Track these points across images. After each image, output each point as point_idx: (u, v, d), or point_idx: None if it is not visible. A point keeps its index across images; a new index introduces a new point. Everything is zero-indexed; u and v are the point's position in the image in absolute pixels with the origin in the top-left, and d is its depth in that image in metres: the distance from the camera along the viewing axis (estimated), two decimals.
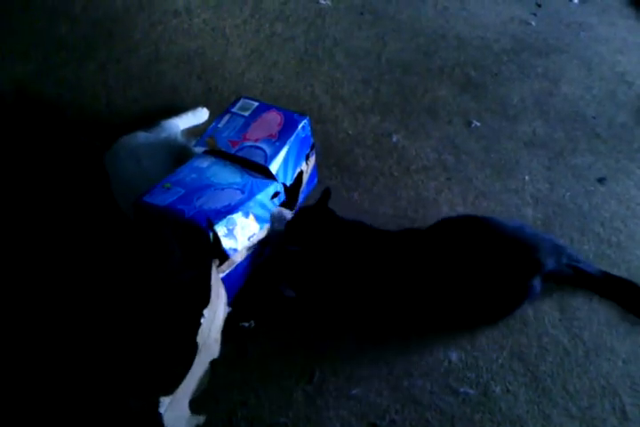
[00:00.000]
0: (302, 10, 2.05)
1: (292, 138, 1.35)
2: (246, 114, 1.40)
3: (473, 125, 1.71)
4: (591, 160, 1.63)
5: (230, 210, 1.19)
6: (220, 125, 1.38)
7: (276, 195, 1.31)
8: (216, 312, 1.14)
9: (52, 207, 1.51)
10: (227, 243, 1.17)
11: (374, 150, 1.65)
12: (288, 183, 1.36)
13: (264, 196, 1.27)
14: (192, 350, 1.06)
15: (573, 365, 1.25)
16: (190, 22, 2.00)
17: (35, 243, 1.46)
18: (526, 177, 1.59)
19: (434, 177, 1.59)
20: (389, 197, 1.53)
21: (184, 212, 1.17)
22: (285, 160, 1.33)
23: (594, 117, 1.73)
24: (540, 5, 2.10)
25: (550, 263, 1.27)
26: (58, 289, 1.37)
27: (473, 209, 1.51)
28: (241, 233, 1.20)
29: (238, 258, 1.22)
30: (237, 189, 1.25)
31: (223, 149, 1.33)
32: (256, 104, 1.42)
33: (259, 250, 1.29)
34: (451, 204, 1.53)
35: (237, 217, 1.19)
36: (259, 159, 1.31)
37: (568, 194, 1.55)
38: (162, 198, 1.20)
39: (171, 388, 1.01)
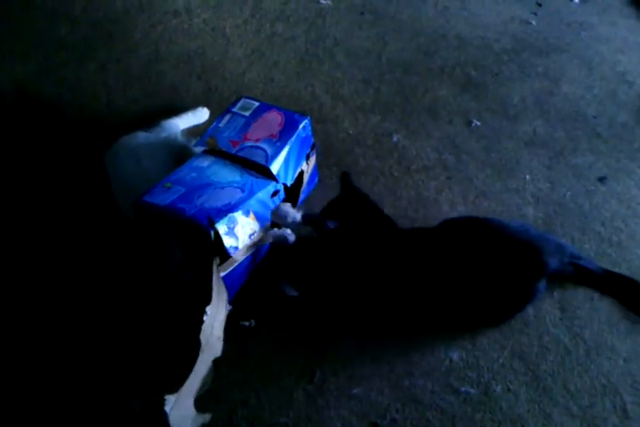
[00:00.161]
0: (303, 10, 2.05)
1: (293, 138, 1.35)
2: (247, 114, 1.40)
3: (473, 125, 1.71)
4: (592, 160, 1.63)
5: (231, 208, 1.19)
6: (220, 125, 1.38)
7: (275, 193, 1.31)
8: (218, 310, 1.14)
9: (52, 207, 1.51)
10: (228, 241, 1.17)
11: (375, 150, 1.65)
12: (289, 183, 1.36)
13: (264, 194, 1.27)
14: (195, 348, 1.06)
15: (574, 364, 1.25)
16: (190, 22, 2.00)
17: (35, 243, 1.45)
18: (527, 176, 1.59)
19: (434, 177, 1.59)
20: (390, 197, 1.53)
21: (185, 210, 1.17)
22: (286, 160, 1.33)
23: (594, 117, 1.74)
24: (540, 5, 2.10)
25: (554, 263, 1.27)
26: (58, 289, 1.37)
27: (473, 209, 1.51)
28: (242, 231, 1.20)
29: (239, 256, 1.22)
30: (237, 187, 1.25)
31: (224, 149, 1.33)
32: (257, 104, 1.42)
33: (258, 249, 1.29)
34: (451, 203, 1.53)
35: (238, 215, 1.19)
36: (259, 159, 1.30)
37: (569, 193, 1.55)
38: (162, 198, 1.20)
39: (175, 387, 1.01)
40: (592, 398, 1.21)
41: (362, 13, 2.05)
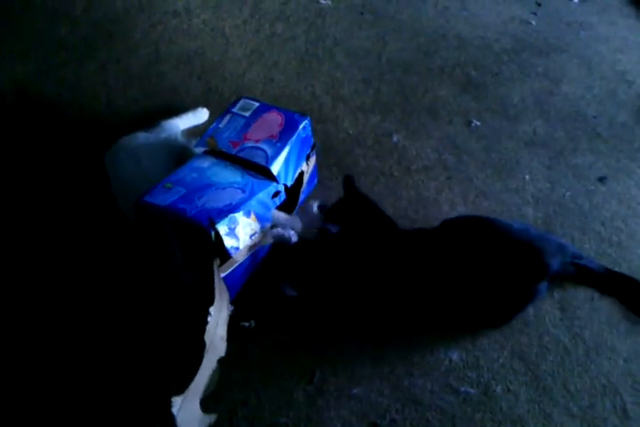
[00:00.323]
0: (302, 10, 2.05)
1: (293, 138, 1.35)
2: (247, 114, 1.40)
3: (473, 125, 1.71)
4: (592, 160, 1.63)
5: (232, 209, 1.19)
6: (220, 126, 1.38)
7: (276, 194, 1.31)
8: (221, 310, 1.14)
9: (52, 208, 1.51)
10: (228, 242, 1.17)
11: (375, 150, 1.65)
12: (289, 184, 1.36)
13: (265, 195, 1.27)
14: (199, 349, 1.06)
15: (574, 364, 1.25)
16: (190, 23, 2.00)
17: (35, 244, 1.45)
18: (527, 177, 1.59)
19: (434, 177, 1.59)
20: (390, 197, 1.53)
21: (186, 211, 1.17)
22: (286, 161, 1.33)
23: (594, 117, 1.74)
24: (540, 5, 2.10)
25: (555, 265, 1.27)
26: (59, 291, 1.37)
27: (473, 209, 1.51)
28: (242, 232, 1.20)
29: (239, 257, 1.22)
30: (238, 188, 1.25)
31: (224, 150, 1.33)
32: (257, 104, 1.42)
33: (258, 250, 1.29)
34: (451, 203, 1.53)
35: (239, 216, 1.19)
36: (260, 160, 1.30)
37: (569, 193, 1.55)
38: (163, 198, 1.20)
39: (180, 388, 1.01)
40: (592, 398, 1.21)
41: (362, 13, 2.05)
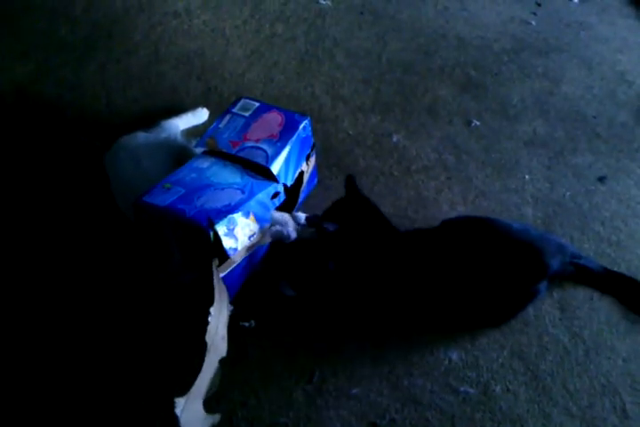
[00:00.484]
0: (302, 10, 2.05)
1: (294, 138, 1.35)
2: (247, 114, 1.40)
3: (473, 125, 1.71)
4: (591, 159, 1.63)
5: (231, 209, 1.19)
6: (220, 126, 1.38)
7: (276, 195, 1.31)
8: (221, 310, 1.14)
9: (51, 208, 1.51)
10: (227, 242, 1.17)
11: (374, 150, 1.65)
12: (289, 184, 1.36)
13: (264, 196, 1.27)
14: (201, 349, 1.06)
15: (573, 364, 1.26)
16: (190, 23, 2.00)
17: (35, 244, 1.45)
18: (526, 176, 1.59)
19: (434, 177, 1.59)
20: (390, 197, 1.53)
21: (185, 211, 1.17)
22: (286, 161, 1.33)
23: (594, 117, 1.74)
24: (539, 5, 2.10)
25: (555, 265, 1.27)
26: (58, 291, 1.37)
27: (473, 209, 1.51)
28: (241, 233, 1.20)
29: (238, 258, 1.22)
30: (238, 188, 1.25)
31: (224, 150, 1.33)
32: (257, 104, 1.42)
33: (256, 250, 1.29)
34: (451, 203, 1.53)
35: (238, 217, 1.19)
36: (260, 160, 1.31)
37: (568, 193, 1.55)
38: (162, 198, 1.20)
39: (183, 389, 1.01)
40: (591, 398, 1.21)
41: (361, 13, 2.05)
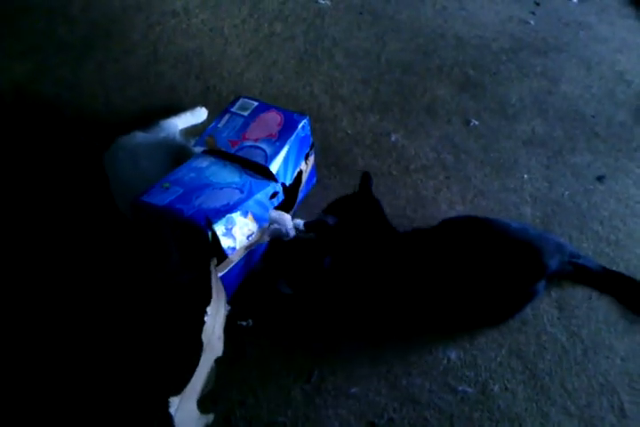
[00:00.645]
0: (301, 10, 2.06)
1: (293, 138, 1.35)
2: (246, 114, 1.40)
3: (472, 124, 1.71)
4: (590, 159, 1.63)
5: (229, 209, 1.19)
6: (219, 125, 1.38)
7: (274, 195, 1.31)
8: (218, 310, 1.14)
9: (51, 207, 1.51)
10: (225, 242, 1.17)
11: (373, 150, 1.65)
12: (288, 183, 1.36)
13: (263, 195, 1.28)
14: (196, 348, 1.06)
15: (572, 363, 1.26)
16: (188, 22, 2.00)
17: (34, 243, 1.45)
18: (525, 176, 1.59)
19: (433, 176, 1.59)
20: (388, 197, 1.53)
21: (183, 211, 1.17)
22: (285, 160, 1.33)
23: (593, 116, 1.74)
24: (538, 4, 2.10)
25: (554, 264, 1.27)
26: (57, 290, 1.37)
27: (472, 208, 1.51)
28: (239, 232, 1.20)
29: (236, 257, 1.22)
30: (236, 188, 1.25)
31: (223, 149, 1.33)
32: (255, 104, 1.42)
33: (254, 250, 1.29)
34: (450, 203, 1.53)
35: (236, 216, 1.19)
36: (259, 159, 1.31)
37: (567, 193, 1.55)
38: (160, 198, 1.20)
39: (178, 388, 1.01)
40: (589, 397, 1.21)
41: (360, 13, 2.05)
